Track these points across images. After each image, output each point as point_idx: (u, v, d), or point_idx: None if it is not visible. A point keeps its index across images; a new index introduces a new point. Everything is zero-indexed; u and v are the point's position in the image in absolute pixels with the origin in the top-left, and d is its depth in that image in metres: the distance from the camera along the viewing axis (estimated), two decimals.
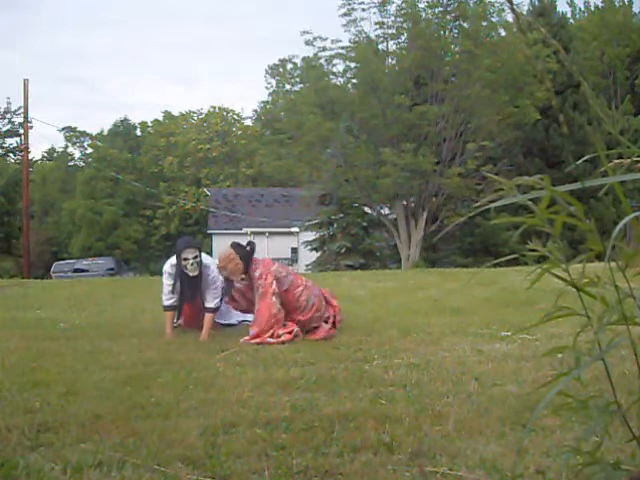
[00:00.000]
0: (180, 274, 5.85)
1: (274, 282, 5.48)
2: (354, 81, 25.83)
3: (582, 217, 1.16)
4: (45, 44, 79.58)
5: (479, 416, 2.93)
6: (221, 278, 5.98)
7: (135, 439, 2.72)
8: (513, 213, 14.42)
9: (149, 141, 48.64)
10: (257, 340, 5.30)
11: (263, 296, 5.46)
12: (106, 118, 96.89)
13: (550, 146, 26.49)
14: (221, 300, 5.98)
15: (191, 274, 5.80)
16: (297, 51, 50.11)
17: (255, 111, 49.96)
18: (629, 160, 1.26)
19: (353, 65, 25.38)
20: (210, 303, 5.91)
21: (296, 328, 5.46)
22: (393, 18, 24.91)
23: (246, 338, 5.38)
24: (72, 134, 49.83)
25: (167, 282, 5.92)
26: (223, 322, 6.33)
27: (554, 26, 27.55)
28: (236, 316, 6.40)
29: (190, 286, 5.88)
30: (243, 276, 5.63)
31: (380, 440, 2.65)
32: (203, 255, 5.98)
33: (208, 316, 5.86)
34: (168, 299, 5.92)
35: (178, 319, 6.12)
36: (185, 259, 5.78)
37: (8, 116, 46.04)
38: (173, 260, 5.94)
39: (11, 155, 48.49)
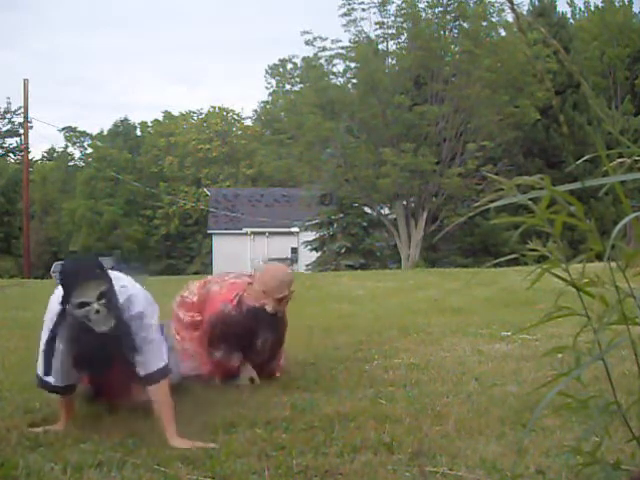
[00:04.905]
0: (75, 330, 2.73)
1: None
2: (354, 81, 25.85)
3: (582, 217, 1.16)
4: (45, 44, 79.55)
5: (479, 416, 2.93)
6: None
7: (135, 439, 2.72)
8: (513, 213, 14.43)
9: (149, 141, 48.59)
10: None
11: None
12: (106, 118, 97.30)
13: (550, 146, 26.49)
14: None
15: (98, 329, 2.70)
16: (297, 51, 50.08)
17: (255, 111, 49.96)
18: (629, 160, 1.26)
19: (353, 65, 25.40)
20: (146, 366, 2.85)
21: None
22: (393, 18, 24.97)
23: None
24: (72, 134, 49.79)
25: (45, 345, 2.85)
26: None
27: (554, 26, 27.55)
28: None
29: (99, 350, 2.72)
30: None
31: (380, 440, 2.64)
32: (123, 279, 2.95)
33: (159, 394, 2.84)
34: (53, 377, 2.88)
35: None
36: (83, 305, 2.68)
37: (8, 116, 46.14)
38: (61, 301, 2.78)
39: (11, 155, 48.59)
